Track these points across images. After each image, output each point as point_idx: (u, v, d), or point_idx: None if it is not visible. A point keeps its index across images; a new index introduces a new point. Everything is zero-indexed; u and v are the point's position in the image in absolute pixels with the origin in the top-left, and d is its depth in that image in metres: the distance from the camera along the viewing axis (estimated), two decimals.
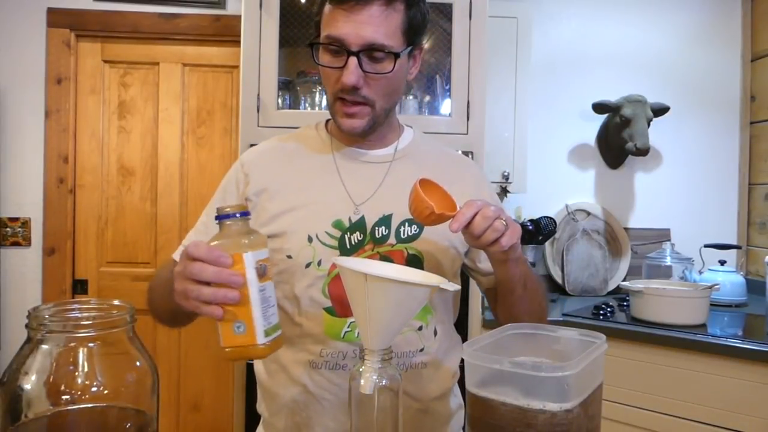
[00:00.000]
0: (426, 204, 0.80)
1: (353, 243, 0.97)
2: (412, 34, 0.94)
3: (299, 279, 0.96)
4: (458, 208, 0.82)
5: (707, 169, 2.64)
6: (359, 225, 0.98)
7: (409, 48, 0.95)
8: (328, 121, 1.09)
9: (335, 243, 0.96)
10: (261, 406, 1.07)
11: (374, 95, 0.94)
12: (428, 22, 0.99)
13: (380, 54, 0.90)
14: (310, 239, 0.96)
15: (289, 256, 0.96)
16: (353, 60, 0.89)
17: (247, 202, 1.02)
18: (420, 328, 0.99)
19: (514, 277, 0.93)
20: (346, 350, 0.96)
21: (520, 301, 0.97)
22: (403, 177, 1.02)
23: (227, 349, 0.72)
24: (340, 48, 0.90)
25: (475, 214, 0.81)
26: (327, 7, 0.92)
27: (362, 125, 0.96)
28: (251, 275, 0.71)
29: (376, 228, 0.98)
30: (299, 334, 0.98)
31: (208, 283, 0.72)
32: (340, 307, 0.96)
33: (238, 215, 0.74)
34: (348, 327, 0.96)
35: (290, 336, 0.99)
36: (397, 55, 0.91)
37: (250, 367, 1.82)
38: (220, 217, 0.74)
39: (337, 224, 0.97)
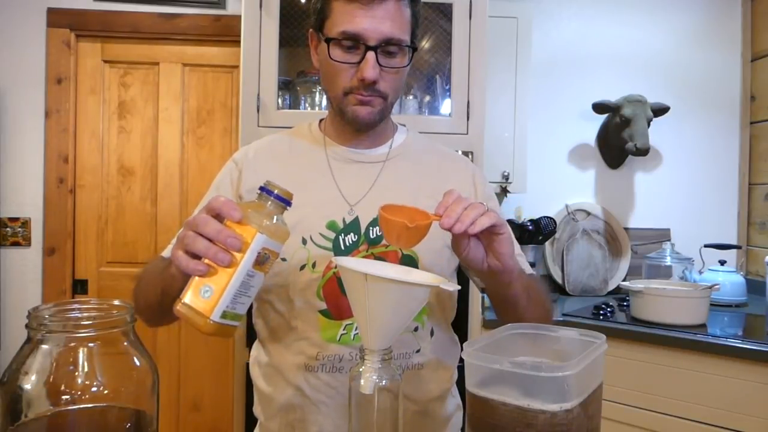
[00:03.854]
0: (396, 223, 0.75)
1: (347, 244, 0.96)
2: (416, 30, 0.97)
3: (294, 282, 0.95)
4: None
5: (707, 169, 2.64)
6: (353, 226, 0.97)
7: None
8: (321, 120, 1.08)
9: (329, 245, 0.96)
10: (257, 409, 1.06)
11: (388, 89, 0.94)
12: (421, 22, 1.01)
13: (395, 48, 0.92)
14: (304, 241, 0.95)
15: (284, 259, 0.95)
16: (372, 55, 0.90)
17: (240, 199, 1.01)
18: (416, 329, 0.98)
19: (517, 292, 0.90)
20: (343, 353, 0.95)
21: (525, 311, 0.94)
22: (397, 176, 1.02)
23: (179, 306, 0.69)
24: (355, 43, 0.90)
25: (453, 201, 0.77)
26: (338, 3, 0.91)
27: (375, 114, 0.95)
28: (250, 253, 0.69)
29: (371, 228, 0.97)
30: (295, 337, 0.97)
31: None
32: (335, 310, 0.95)
33: (278, 198, 0.72)
34: (344, 330, 0.95)
35: (286, 339, 0.98)
36: (412, 49, 0.93)
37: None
38: (264, 189, 0.72)
39: (331, 225, 0.96)
